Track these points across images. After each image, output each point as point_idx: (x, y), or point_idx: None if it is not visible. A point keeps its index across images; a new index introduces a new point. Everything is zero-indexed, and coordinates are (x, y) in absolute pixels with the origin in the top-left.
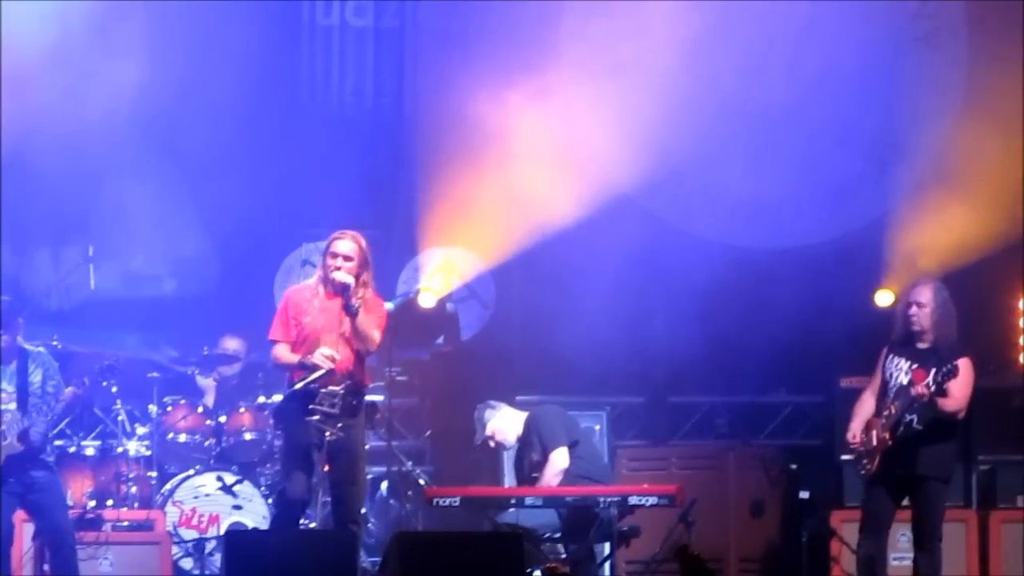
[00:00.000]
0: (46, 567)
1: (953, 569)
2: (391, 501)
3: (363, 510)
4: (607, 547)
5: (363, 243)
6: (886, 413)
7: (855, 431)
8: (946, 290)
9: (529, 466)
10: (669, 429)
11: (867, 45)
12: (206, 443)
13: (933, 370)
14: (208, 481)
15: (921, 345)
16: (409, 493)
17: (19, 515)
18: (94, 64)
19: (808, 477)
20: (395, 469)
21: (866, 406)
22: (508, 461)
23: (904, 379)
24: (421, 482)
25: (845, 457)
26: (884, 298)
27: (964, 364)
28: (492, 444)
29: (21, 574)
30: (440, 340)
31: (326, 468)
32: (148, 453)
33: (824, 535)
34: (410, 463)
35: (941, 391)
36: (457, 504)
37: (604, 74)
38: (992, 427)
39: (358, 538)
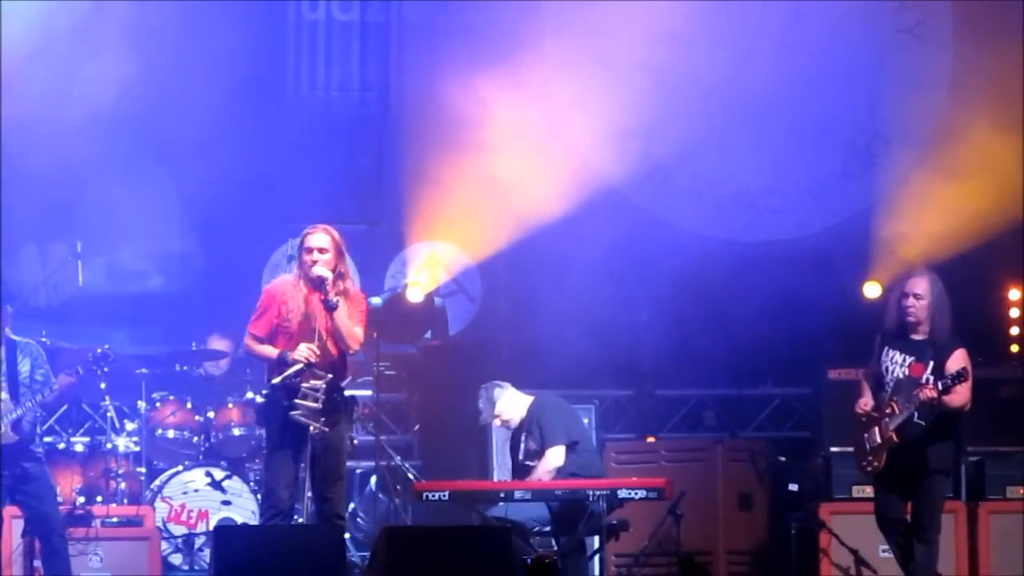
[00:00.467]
0: (36, 563)
1: (943, 561)
2: (380, 495)
3: (352, 505)
4: (596, 540)
5: (336, 235)
6: (888, 411)
7: (862, 403)
8: (940, 281)
9: (525, 453)
10: (657, 422)
11: (852, 37)
12: (195, 439)
13: (931, 363)
14: (197, 477)
15: (916, 336)
16: (398, 487)
17: (7, 511)
18: (79, 61)
19: (796, 470)
20: (384, 464)
21: (865, 385)
22: (496, 455)
23: (901, 372)
24: (410, 476)
25: (834, 449)
26: (872, 290)
27: (962, 356)
28: (499, 423)
29: (10, 572)
30: (428, 335)
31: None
32: (137, 449)
33: (813, 527)
34: (399, 458)
35: (948, 391)
36: (446, 498)
37: (588, 67)
38: (981, 419)
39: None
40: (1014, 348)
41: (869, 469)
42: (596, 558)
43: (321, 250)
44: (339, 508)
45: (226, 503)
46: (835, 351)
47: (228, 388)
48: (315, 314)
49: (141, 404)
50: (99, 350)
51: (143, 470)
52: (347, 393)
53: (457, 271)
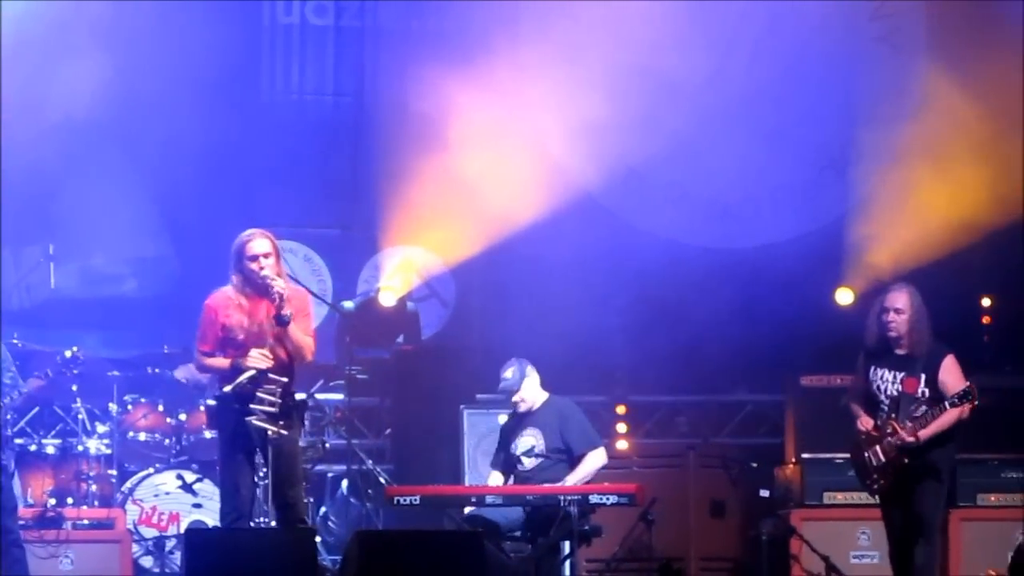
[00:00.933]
0: None
1: None
2: (351, 500)
3: (323, 509)
4: (567, 546)
5: (273, 238)
6: (890, 431)
7: (866, 423)
8: (918, 294)
9: (525, 448)
10: (630, 428)
11: (826, 46)
12: (166, 442)
13: (922, 375)
14: (168, 479)
15: (900, 351)
16: (370, 492)
17: None
18: (53, 64)
19: (768, 476)
20: (355, 468)
21: (857, 403)
22: (468, 459)
23: (894, 390)
24: (382, 481)
25: (806, 456)
26: (844, 297)
27: (953, 364)
28: (515, 403)
29: None
30: (400, 339)
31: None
32: (108, 451)
33: (784, 534)
34: (370, 462)
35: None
36: (417, 503)
37: (563, 72)
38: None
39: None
40: (985, 356)
41: (875, 487)
42: (567, 563)
43: (266, 255)
44: (301, 512)
45: (197, 506)
46: (808, 358)
47: (200, 391)
48: (262, 320)
49: (113, 407)
50: (68, 353)
51: (114, 472)
52: (300, 396)
53: (430, 275)
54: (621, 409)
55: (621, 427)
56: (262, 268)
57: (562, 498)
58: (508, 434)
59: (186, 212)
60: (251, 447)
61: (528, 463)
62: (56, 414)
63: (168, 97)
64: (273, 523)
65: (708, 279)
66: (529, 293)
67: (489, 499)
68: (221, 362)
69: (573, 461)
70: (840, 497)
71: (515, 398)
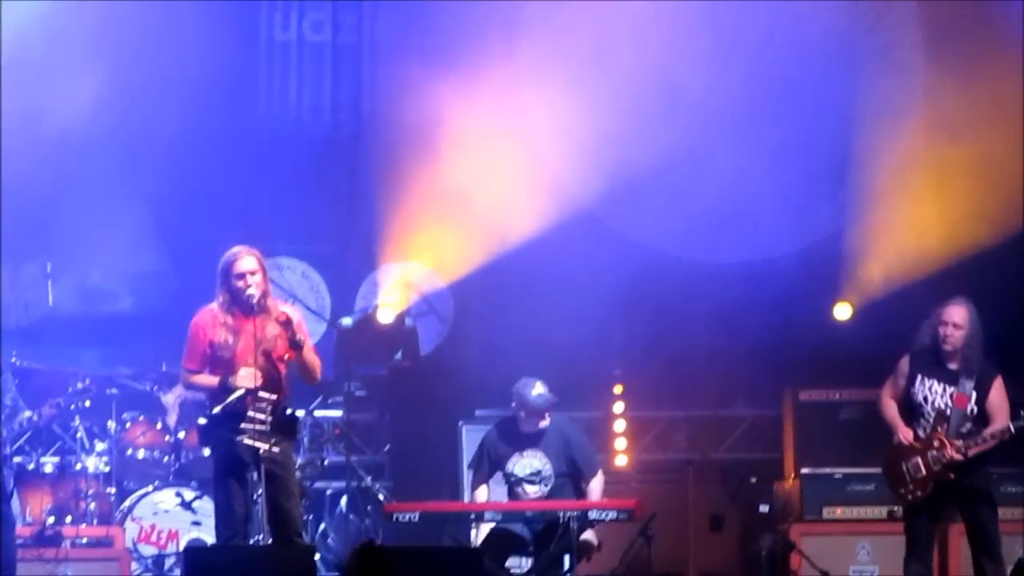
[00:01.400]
0: None
1: None
2: (350, 516)
3: (322, 525)
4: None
5: (259, 255)
6: (937, 444)
7: (907, 434)
8: (974, 308)
9: (528, 469)
10: (629, 443)
11: (824, 58)
12: (165, 459)
13: (973, 393)
14: (167, 497)
15: (951, 365)
16: (368, 508)
17: None
18: (51, 80)
19: (767, 491)
20: (354, 484)
21: (893, 409)
22: (468, 476)
23: (942, 403)
24: (380, 497)
25: (805, 471)
26: (842, 311)
27: (1000, 387)
28: (530, 420)
29: None
30: (398, 355)
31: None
32: (107, 469)
33: (784, 549)
34: (369, 478)
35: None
36: (417, 519)
37: (563, 89)
38: None
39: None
40: None
41: (910, 498)
42: None
43: (252, 273)
44: (296, 526)
45: (196, 523)
46: (806, 372)
47: (199, 408)
48: (249, 338)
49: (111, 424)
50: (79, 385)
51: (113, 490)
52: (290, 411)
53: (428, 292)
54: (620, 425)
55: (620, 443)
56: (248, 286)
57: (562, 514)
58: (500, 447)
59: (184, 228)
60: (244, 465)
61: (532, 491)
62: (55, 432)
63: (165, 114)
64: (270, 540)
65: (706, 293)
66: (527, 308)
67: (488, 515)
68: (209, 380)
69: (577, 482)
70: (839, 512)
71: (536, 420)
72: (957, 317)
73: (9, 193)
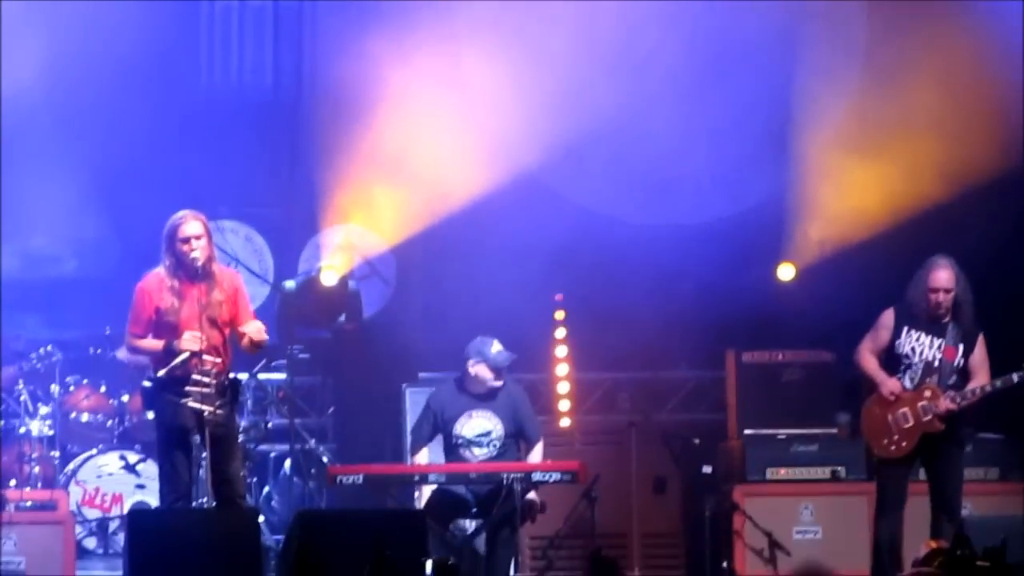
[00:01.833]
0: None
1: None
2: (294, 479)
3: (266, 488)
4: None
5: (205, 219)
6: (928, 395)
7: (894, 385)
8: (958, 266)
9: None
10: (573, 405)
11: (765, 20)
12: (108, 423)
13: (961, 346)
14: (111, 461)
15: (942, 319)
16: (312, 471)
17: None
18: None
19: (710, 452)
20: (298, 447)
21: (874, 362)
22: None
23: (931, 355)
24: (324, 460)
25: (748, 432)
26: (785, 272)
27: (982, 345)
28: (490, 377)
29: None
30: (342, 318)
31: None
32: (51, 433)
33: (727, 510)
34: (313, 441)
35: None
36: (360, 482)
37: (506, 51)
38: None
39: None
40: None
41: (894, 448)
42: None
43: (197, 237)
44: (240, 488)
45: (140, 487)
46: (749, 334)
47: (142, 372)
48: (194, 303)
49: (55, 388)
50: (42, 350)
51: (57, 454)
52: (232, 375)
53: (371, 255)
54: (563, 387)
55: (563, 404)
56: (193, 250)
57: (506, 475)
58: (447, 408)
59: (127, 193)
60: (188, 429)
61: (479, 453)
62: None
63: (107, 79)
64: (214, 503)
65: (649, 256)
66: (470, 271)
67: (432, 477)
68: (153, 344)
69: (518, 445)
70: (783, 472)
71: (494, 377)
72: (943, 282)
73: None
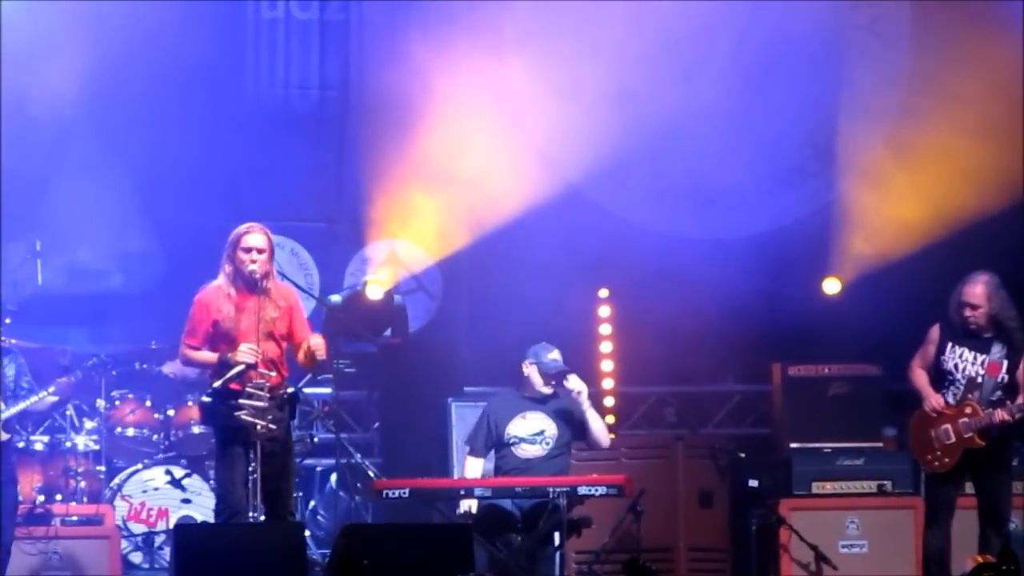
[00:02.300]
0: None
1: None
2: (340, 493)
3: (312, 503)
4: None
5: (270, 235)
6: (969, 411)
7: (938, 401)
8: (997, 278)
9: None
10: (618, 419)
11: (810, 34)
12: (154, 437)
13: (1005, 362)
14: (157, 475)
15: (984, 334)
16: (358, 485)
17: None
18: (38, 60)
19: (756, 466)
20: (344, 461)
21: (923, 377)
22: (457, 453)
23: (974, 371)
24: (370, 474)
25: (794, 445)
26: (831, 286)
27: None
28: (551, 387)
29: None
30: (388, 332)
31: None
32: (96, 448)
33: (773, 524)
34: (359, 455)
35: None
36: (406, 496)
37: (551, 67)
38: None
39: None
40: None
41: (936, 464)
42: (557, 554)
43: (260, 250)
44: (289, 504)
45: (186, 501)
46: (796, 348)
47: (188, 386)
48: (252, 314)
49: (100, 402)
50: (93, 359)
51: (102, 468)
52: (291, 390)
53: (417, 269)
54: (609, 401)
55: (609, 419)
56: (253, 261)
57: (551, 490)
58: (500, 413)
59: (172, 207)
60: (244, 443)
61: (531, 450)
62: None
63: (153, 93)
64: (262, 518)
65: (695, 270)
66: (516, 285)
67: (478, 491)
68: (208, 356)
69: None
70: (829, 487)
71: (543, 383)
72: (974, 297)
73: None
